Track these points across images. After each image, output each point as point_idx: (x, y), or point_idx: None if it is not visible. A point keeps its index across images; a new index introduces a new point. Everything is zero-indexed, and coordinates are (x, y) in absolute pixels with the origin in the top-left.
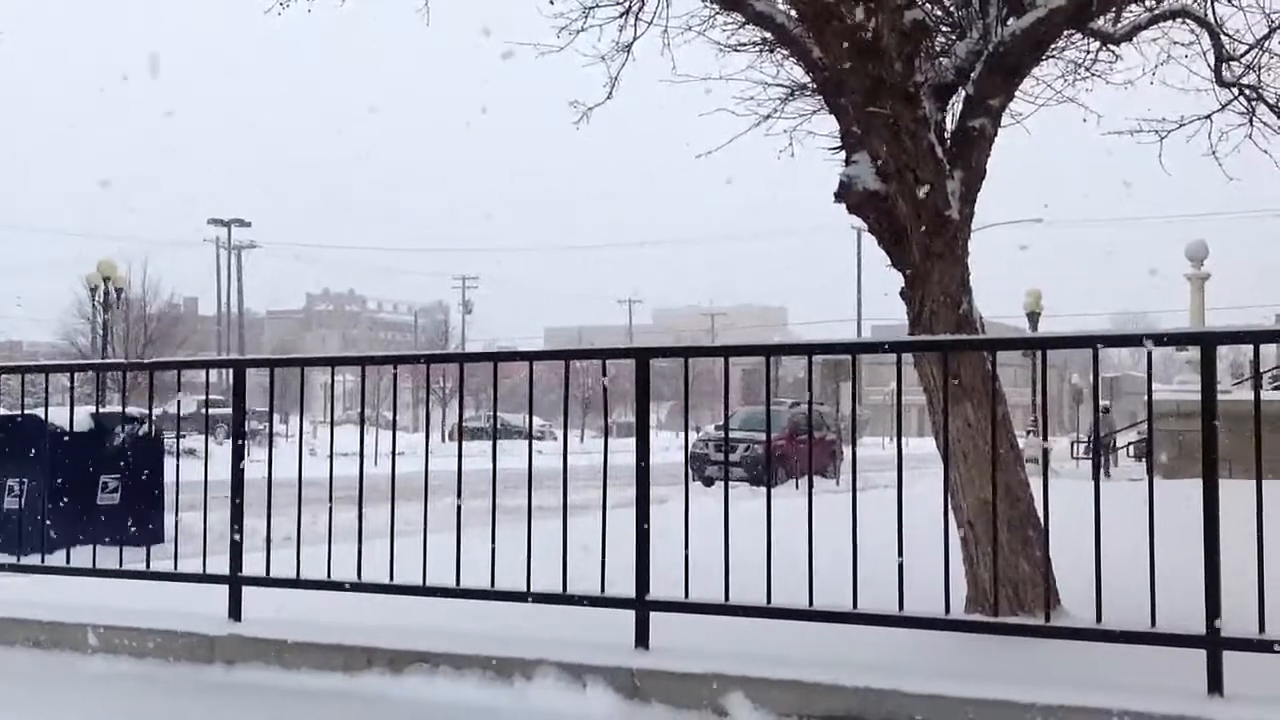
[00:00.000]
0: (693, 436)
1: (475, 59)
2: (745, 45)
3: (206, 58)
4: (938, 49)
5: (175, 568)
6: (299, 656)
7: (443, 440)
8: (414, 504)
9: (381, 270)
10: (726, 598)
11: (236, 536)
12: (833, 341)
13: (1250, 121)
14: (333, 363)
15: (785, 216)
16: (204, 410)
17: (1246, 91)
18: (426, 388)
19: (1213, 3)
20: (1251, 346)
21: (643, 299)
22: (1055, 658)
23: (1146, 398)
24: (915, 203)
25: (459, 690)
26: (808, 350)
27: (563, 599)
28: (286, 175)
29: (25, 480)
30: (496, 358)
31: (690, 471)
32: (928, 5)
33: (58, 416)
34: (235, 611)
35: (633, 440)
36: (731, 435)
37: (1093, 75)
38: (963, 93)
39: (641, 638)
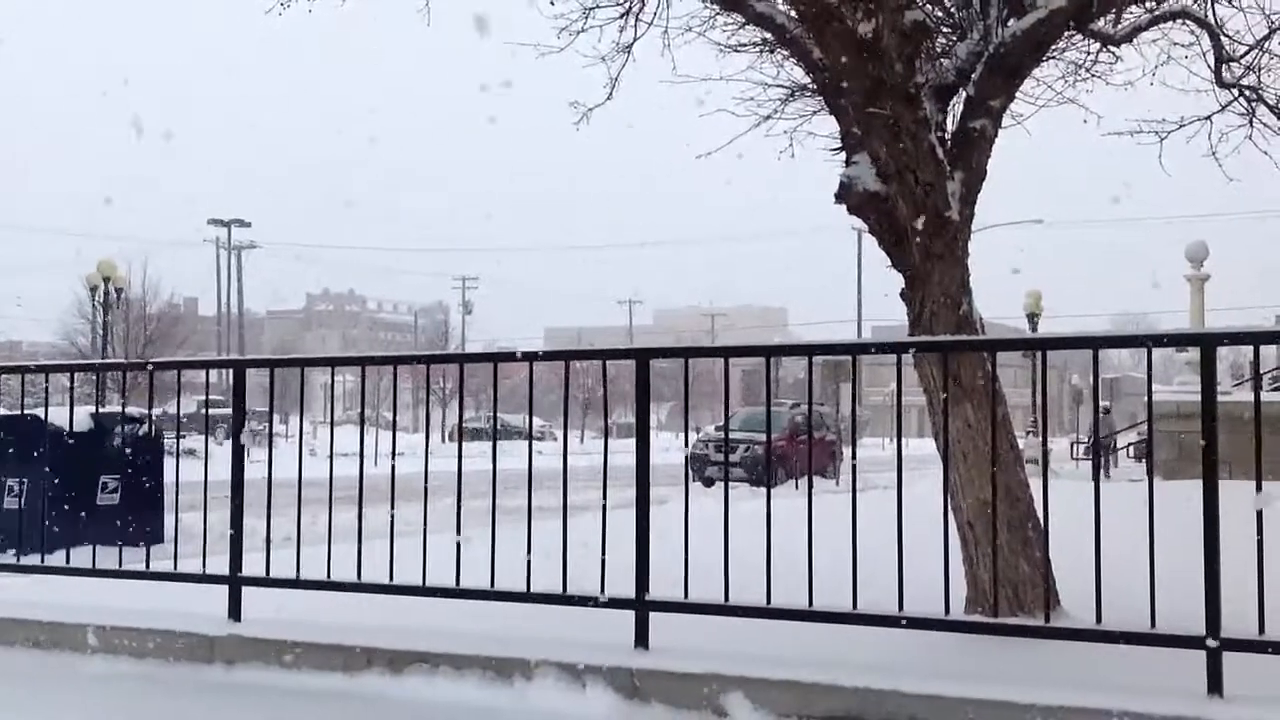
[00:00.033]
0: (693, 437)
1: (475, 59)
2: (745, 46)
3: (206, 58)
4: (938, 50)
5: (175, 568)
6: (299, 657)
7: (443, 441)
8: (414, 504)
9: (381, 270)
10: (726, 598)
11: (236, 536)
12: (833, 342)
13: (1250, 122)
14: (333, 363)
15: (785, 217)
16: (204, 410)
17: (1246, 92)
18: (426, 388)
19: (1213, 4)
20: (1251, 348)
21: (643, 299)
22: (1055, 658)
23: (1146, 399)
24: (915, 204)
25: (459, 690)
26: (808, 351)
27: (562, 599)
28: (286, 175)
29: (25, 480)
30: (496, 358)
31: (690, 472)
32: (928, 6)
33: (58, 416)
34: (235, 612)
35: (633, 441)
36: (731, 436)
37: (1093, 76)
38: (963, 94)
39: (641, 638)
